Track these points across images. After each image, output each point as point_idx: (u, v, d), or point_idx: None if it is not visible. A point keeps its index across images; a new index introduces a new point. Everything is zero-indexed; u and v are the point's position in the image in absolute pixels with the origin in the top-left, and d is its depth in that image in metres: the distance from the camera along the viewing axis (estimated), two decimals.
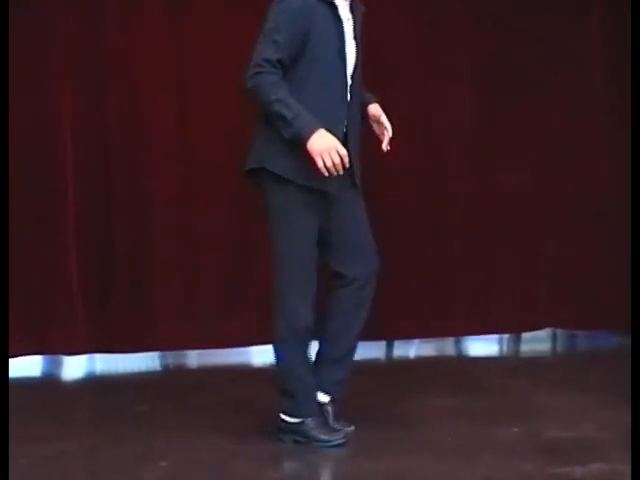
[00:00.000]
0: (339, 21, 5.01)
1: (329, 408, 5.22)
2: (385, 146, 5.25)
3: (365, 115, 5.26)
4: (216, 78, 6.74)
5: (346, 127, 5.08)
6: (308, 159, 4.85)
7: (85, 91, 6.77)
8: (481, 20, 7.26)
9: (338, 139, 4.91)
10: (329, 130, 4.89)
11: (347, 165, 4.88)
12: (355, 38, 5.09)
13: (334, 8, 4.99)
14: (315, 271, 5.10)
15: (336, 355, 5.28)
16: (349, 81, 5.07)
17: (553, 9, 7.29)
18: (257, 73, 4.87)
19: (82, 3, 6.73)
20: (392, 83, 6.78)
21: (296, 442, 5.13)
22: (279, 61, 4.86)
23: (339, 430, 5.18)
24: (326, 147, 4.83)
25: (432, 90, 7.21)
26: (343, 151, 4.86)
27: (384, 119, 5.24)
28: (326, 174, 4.85)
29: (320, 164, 4.82)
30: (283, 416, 5.18)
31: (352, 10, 5.09)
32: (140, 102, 6.86)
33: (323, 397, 5.22)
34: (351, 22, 5.08)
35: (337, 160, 4.84)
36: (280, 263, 5.08)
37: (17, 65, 6.36)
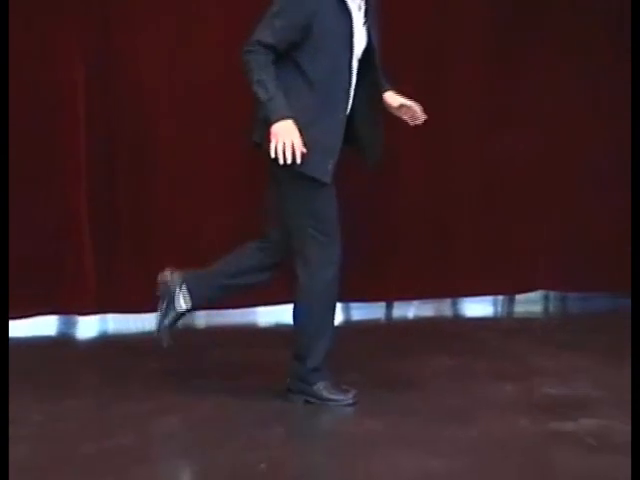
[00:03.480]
0: (347, 12, 4.94)
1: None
2: (417, 121, 5.27)
3: (378, 110, 5.24)
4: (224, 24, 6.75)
5: (352, 110, 5.06)
6: (269, 140, 4.84)
7: (95, 47, 6.75)
8: None
9: (338, 127, 4.97)
10: (330, 116, 4.94)
11: (298, 159, 4.81)
12: (365, 24, 5.03)
13: (342, 0, 4.94)
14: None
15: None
16: (355, 66, 5.02)
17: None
18: (249, 52, 4.89)
19: None
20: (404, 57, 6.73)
21: (307, 402, 5.13)
22: (272, 46, 4.86)
23: (349, 391, 5.17)
24: (284, 133, 4.79)
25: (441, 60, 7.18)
26: (298, 144, 4.79)
27: (403, 101, 5.23)
28: (273, 155, 4.80)
29: (273, 145, 4.80)
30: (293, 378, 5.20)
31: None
32: (145, 58, 6.81)
33: None
34: (363, 10, 5.01)
35: (289, 148, 4.78)
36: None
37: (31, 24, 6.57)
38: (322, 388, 5.13)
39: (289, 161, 4.81)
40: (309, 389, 5.13)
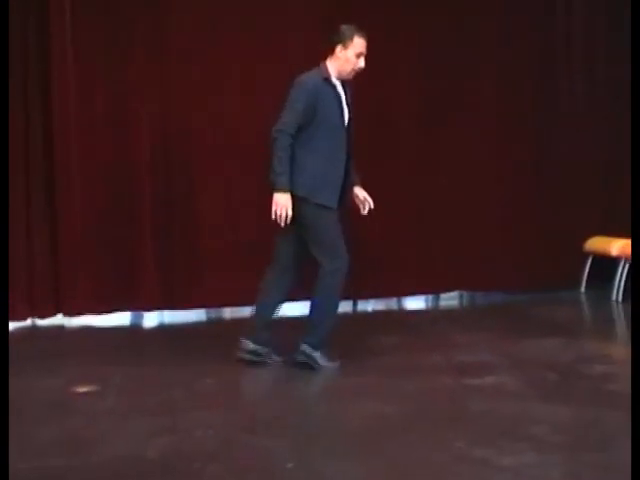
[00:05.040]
0: (338, 95, 4.98)
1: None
2: (365, 212, 5.21)
3: (350, 192, 5.19)
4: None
5: (345, 161, 5.06)
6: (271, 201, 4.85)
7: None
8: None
9: (340, 173, 4.98)
10: (334, 166, 4.95)
11: (289, 220, 4.84)
12: (347, 105, 5.05)
13: (334, 87, 4.97)
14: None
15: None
16: (345, 134, 5.05)
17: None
18: (279, 131, 4.86)
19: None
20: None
21: (305, 363, 5.03)
22: (296, 125, 4.85)
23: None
24: (281, 203, 4.82)
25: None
26: (289, 212, 4.83)
27: (366, 197, 5.20)
28: (273, 217, 4.85)
29: (274, 210, 4.83)
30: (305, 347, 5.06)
31: (343, 86, 5.04)
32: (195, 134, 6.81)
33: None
34: (343, 94, 5.03)
35: (283, 214, 4.81)
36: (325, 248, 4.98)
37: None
38: (319, 357, 5.03)
39: (282, 225, 4.84)
40: (311, 355, 5.03)
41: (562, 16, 7.55)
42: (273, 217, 4.86)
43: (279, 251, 5.12)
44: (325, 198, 4.94)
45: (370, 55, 5.02)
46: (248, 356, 5.14)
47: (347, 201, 5.18)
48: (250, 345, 5.15)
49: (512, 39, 7.38)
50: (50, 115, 6.47)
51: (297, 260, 5.11)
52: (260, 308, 5.20)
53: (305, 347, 5.05)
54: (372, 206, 5.20)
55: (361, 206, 5.23)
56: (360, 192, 5.22)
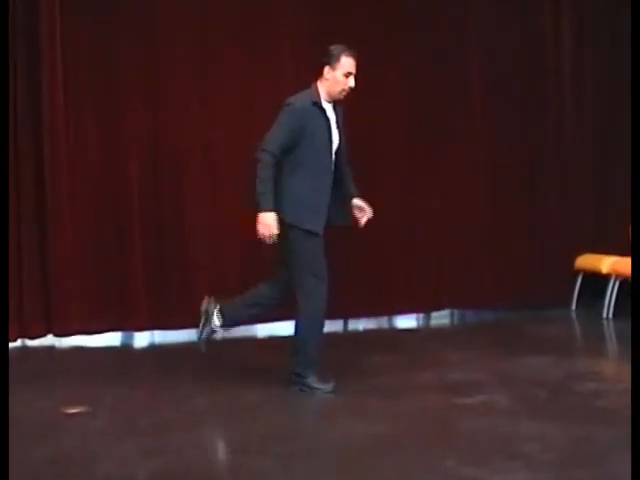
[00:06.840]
0: (327, 119, 4.95)
1: None
2: (363, 223, 5.17)
3: (350, 204, 5.17)
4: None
5: (332, 186, 5.02)
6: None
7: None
8: None
9: (325, 197, 4.93)
10: (319, 190, 4.91)
11: (274, 238, 4.84)
12: (337, 128, 5.02)
13: (323, 110, 4.94)
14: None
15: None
16: (334, 157, 5.01)
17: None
18: (264, 150, 4.83)
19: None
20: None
21: (301, 390, 4.99)
22: (280, 146, 4.83)
23: (329, 382, 5.03)
24: (266, 223, 4.80)
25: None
26: (274, 232, 4.81)
27: (365, 207, 5.17)
28: (258, 237, 4.85)
29: (260, 229, 4.82)
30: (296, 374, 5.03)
31: (334, 108, 5.02)
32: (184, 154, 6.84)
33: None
34: (334, 117, 5.00)
35: (267, 234, 4.81)
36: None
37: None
38: (312, 380, 4.98)
39: (269, 243, 4.84)
40: (303, 380, 4.99)
41: (550, 23, 7.57)
42: (258, 237, 4.86)
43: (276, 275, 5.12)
44: (311, 224, 4.90)
45: (360, 76, 5.02)
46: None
47: (348, 216, 5.16)
48: None
49: (499, 53, 7.44)
50: (40, 133, 6.46)
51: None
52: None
53: (296, 373, 5.00)
54: (371, 215, 5.16)
55: (360, 216, 5.18)
56: (358, 202, 5.18)
